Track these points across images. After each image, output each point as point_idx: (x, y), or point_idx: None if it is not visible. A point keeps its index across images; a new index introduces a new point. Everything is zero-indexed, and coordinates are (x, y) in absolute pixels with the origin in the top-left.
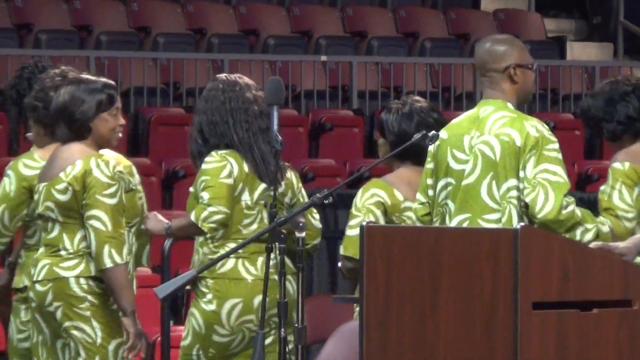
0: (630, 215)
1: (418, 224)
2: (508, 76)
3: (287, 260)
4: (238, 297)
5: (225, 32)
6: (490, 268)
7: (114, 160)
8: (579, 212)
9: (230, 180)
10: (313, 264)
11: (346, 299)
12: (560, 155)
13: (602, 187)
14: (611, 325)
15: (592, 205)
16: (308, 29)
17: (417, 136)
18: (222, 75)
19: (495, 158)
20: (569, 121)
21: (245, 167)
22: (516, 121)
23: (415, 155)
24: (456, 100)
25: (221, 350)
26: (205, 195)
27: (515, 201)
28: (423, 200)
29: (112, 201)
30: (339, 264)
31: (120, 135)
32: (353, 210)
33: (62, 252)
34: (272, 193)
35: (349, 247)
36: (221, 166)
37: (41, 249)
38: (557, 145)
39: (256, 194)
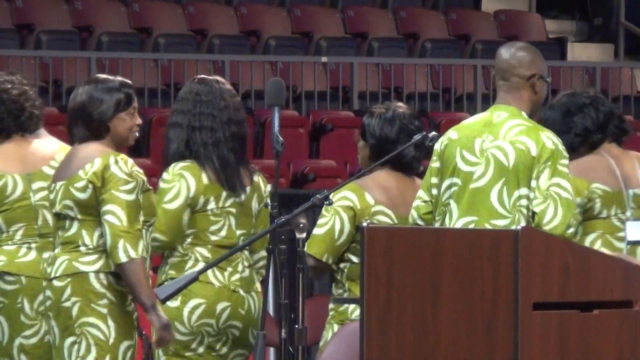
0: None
1: (419, 222)
2: (531, 85)
3: (254, 275)
4: (202, 299)
5: (226, 33)
6: (491, 269)
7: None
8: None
9: (173, 205)
10: None
11: (346, 299)
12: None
13: None
14: (612, 326)
15: None
16: (309, 30)
17: (417, 137)
18: (199, 78)
19: (508, 165)
20: None
21: (205, 179)
22: (532, 131)
23: (395, 160)
24: (456, 102)
25: (180, 350)
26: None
27: (524, 210)
28: (426, 198)
29: (129, 197)
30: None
31: (137, 134)
32: (323, 210)
33: (82, 248)
34: (240, 199)
35: (311, 245)
36: (168, 188)
37: (58, 248)
38: (568, 161)
39: (222, 201)
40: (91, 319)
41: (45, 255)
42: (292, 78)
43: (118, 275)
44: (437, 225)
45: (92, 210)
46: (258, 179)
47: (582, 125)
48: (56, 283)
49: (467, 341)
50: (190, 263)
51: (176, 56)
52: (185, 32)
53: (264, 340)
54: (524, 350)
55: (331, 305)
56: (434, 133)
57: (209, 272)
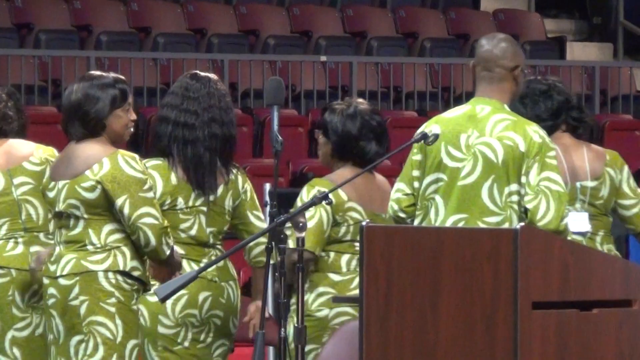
0: None
1: (401, 215)
2: (514, 77)
3: (229, 265)
4: (184, 290)
5: (225, 32)
6: (491, 268)
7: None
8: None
9: None
10: None
11: (346, 298)
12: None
13: None
14: (611, 326)
15: None
16: (308, 29)
17: (416, 136)
18: (192, 73)
19: (497, 161)
20: None
21: (173, 179)
22: (518, 125)
23: (358, 157)
24: (456, 100)
25: (167, 344)
26: None
27: (516, 206)
28: (408, 191)
29: (152, 194)
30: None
31: (132, 130)
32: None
33: (89, 247)
34: (210, 198)
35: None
36: None
37: (60, 246)
38: (555, 152)
39: (192, 200)
40: (99, 318)
41: (32, 249)
42: (291, 77)
43: (126, 274)
44: (417, 219)
45: (99, 209)
46: (235, 176)
47: (534, 113)
48: (62, 281)
49: (467, 340)
50: None
51: (175, 55)
52: (184, 31)
53: (264, 340)
54: (523, 350)
55: (293, 300)
56: (433, 133)
57: (185, 264)
